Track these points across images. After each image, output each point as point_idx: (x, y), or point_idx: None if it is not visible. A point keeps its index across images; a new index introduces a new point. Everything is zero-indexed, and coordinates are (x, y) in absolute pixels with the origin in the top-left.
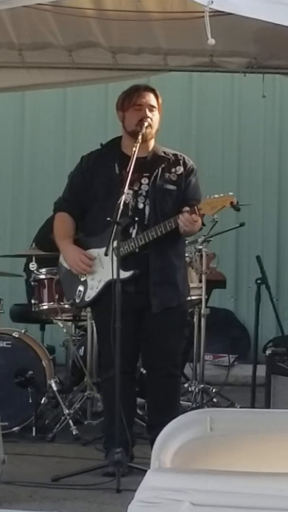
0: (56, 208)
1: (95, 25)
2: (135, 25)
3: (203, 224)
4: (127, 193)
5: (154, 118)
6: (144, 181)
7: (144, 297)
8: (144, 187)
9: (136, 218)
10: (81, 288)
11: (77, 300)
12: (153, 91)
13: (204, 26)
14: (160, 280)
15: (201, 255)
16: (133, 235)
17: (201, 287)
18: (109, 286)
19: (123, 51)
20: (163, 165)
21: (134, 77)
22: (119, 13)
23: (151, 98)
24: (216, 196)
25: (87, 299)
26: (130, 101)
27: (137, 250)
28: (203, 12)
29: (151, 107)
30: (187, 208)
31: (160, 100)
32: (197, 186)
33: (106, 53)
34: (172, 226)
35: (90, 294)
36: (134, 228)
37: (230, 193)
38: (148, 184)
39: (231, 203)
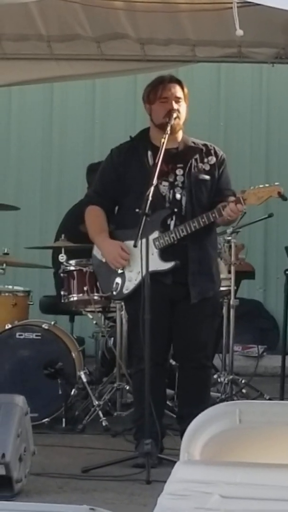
0: (87, 201)
1: (124, 16)
2: (163, 16)
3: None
4: (163, 185)
5: (181, 109)
6: (179, 172)
7: (180, 288)
8: (180, 178)
9: (175, 210)
10: (118, 280)
11: (114, 293)
12: (178, 82)
13: (232, 17)
14: (199, 271)
15: (230, 246)
16: (172, 227)
17: (230, 278)
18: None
19: (151, 42)
20: (196, 156)
21: (162, 68)
22: (147, 5)
23: (176, 90)
24: (261, 186)
25: (125, 291)
26: (156, 94)
27: (176, 241)
28: (231, 3)
29: (177, 99)
30: (232, 198)
31: (186, 90)
32: (228, 175)
33: (134, 44)
34: (216, 216)
35: (129, 286)
36: (172, 219)
37: (276, 183)
38: (183, 175)
39: (279, 193)
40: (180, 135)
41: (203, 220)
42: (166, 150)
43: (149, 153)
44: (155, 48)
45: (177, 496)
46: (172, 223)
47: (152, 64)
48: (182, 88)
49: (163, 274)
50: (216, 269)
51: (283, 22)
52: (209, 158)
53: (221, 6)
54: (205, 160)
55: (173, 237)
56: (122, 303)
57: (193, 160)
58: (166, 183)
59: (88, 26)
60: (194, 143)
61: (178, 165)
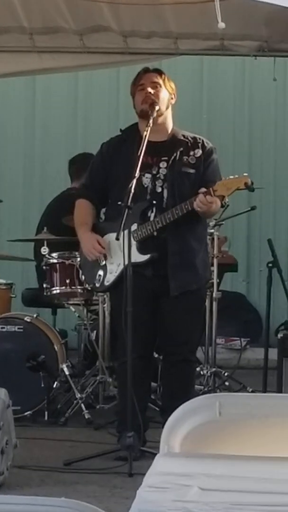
0: (77, 194)
1: (106, 9)
2: (146, 9)
3: (222, 206)
4: (146, 177)
5: (161, 94)
6: (163, 164)
7: (162, 281)
8: (162, 171)
9: (154, 202)
10: (100, 272)
11: (97, 285)
12: (155, 70)
13: (214, 9)
14: (179, 263)
15: (213, 239)
16: (151, 219)
17: (213, 271)
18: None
19: (134, 35)
20: (181, 149)
21: (145, 61)
22: None
23: (153, 76)
24: (231, 177)
25: (106, 283)
26: (135, 84)
27: (155, 233)
28: None
29: (154, 84)
30: (203, 190)
31: (164, 77)
32: (216, 167)
33: (117, 37)
34: (188, 208)
35: (110, 278)
36: (152, 211)
37: (245, 174)
38: (166, 167)
39: (245, 183)
40: (169, 127)
41: (177, 211)
42: (153, 142)
43: (136, 146)
44: (137, 40)
45: (157, 488)
46: (152, 215)
47: (134, 57)
48: (160, 75)
49: (142, 266)
50: (202, 262)
51: (266, 15)
52: (196, 151)
53: None
54: (191, 153)
55: (149, 229)
56: (105, 296)
57: (178, 152)
58: (149, 175)
59: (71, 19)
60: (183, 136)
61: (163, 158)
